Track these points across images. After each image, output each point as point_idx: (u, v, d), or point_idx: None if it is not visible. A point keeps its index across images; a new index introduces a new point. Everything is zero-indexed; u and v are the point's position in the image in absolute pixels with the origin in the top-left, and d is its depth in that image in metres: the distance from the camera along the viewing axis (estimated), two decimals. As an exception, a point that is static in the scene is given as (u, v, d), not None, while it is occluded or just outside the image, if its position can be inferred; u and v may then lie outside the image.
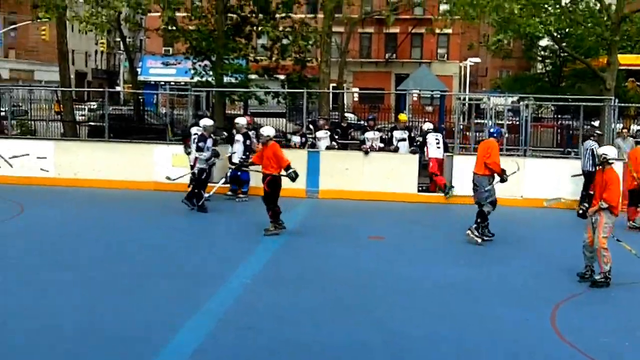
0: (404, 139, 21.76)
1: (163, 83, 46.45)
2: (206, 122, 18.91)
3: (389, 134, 22.52)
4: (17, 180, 21.66)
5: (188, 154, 20.02)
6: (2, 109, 31.22)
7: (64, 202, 19.59)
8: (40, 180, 21.83)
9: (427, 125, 22.21)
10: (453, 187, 21.15)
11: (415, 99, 36.59)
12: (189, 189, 19.02)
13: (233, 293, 11.47)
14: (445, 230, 17.27)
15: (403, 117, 22.78)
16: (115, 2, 24.19)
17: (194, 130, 19.77)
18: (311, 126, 23.14)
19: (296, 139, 22.35)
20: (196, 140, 18.62)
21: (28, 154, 22.14)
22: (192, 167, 18.93)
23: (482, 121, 27.55)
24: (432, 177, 21.37)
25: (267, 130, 16.11)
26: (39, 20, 38.03)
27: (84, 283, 11.61)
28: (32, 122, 30.48)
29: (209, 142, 18.52)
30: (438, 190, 21.35)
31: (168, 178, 19.75)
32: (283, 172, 15.63)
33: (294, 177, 15.62)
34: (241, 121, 20.64)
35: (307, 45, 30.09)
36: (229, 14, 29.56)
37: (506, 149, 22.68)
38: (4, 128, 27.52)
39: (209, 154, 18.49)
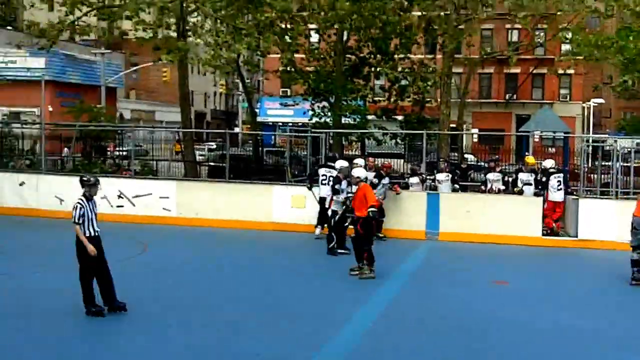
0: (529, 184, 21.07)
1: (281, 124, 47.06)
2: (342, 163, 18.66)
3: (514, 175, 21.93)
4: (140, 219, 22.02)
5: (309, 189, 19.94)
6: (124, 148, 32.14)
7: (185, 241, 19.76)
8: (162, 219, 22.13)
9: (549, 163, 21.56)
10: (562, 228, 20.58)
11: (537, 140, 35.76)
12: (316, 230, 18.91)
13: (355, 335, 11.25)
14: (571, 276, 16.62)
15: (530, 159, 22.11)
16: (236, 44, 24.52)
17: (322, 171, 19.63)
18: (435, 171, 22.76)
19: (414, 180, 21.98)
20: (332, 183, 18.31)
21: (151, 194, 22.50)
22: (327, 208, 18.68)
23: (608, 163, 26.61)
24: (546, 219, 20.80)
25: (358, 172, 15.89)
26: (160, 62, 39.01)
27: (207, 323, 11.51)
28: (154, 162, 31.10)
29: (344, 184, 18.24)
30: (561, 234, 20.70)
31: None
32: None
33: (370, 217, 15.20)
34: (359, 162, 20.29)
35: (426, 86, 29.82)
36: (348, 55, 29.66)
37: (633, 192, 21.82)
38: (124, 167, 28.20)
39: (344, 196, 18.18)
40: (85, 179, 11.66)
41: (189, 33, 27.55)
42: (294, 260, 17.52)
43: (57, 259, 16.81)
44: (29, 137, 31.14)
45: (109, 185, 22.98)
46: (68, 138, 30.12)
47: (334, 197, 17.96)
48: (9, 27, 55.25)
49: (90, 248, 11.29)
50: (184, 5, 26.57)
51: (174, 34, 28.29)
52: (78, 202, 11.40)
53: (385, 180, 20.36)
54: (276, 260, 17.45)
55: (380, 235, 20.06)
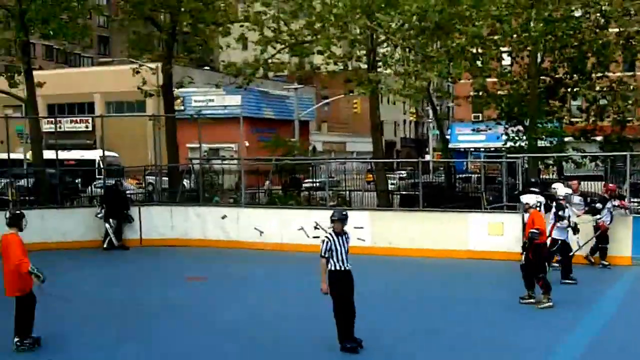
0: None
1: (473, 149, 46.43)
2: (567, 190, 18.04)
3: None
4: (335, 250, 22.15)
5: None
6: (317, 180, 32.71)
7: (380, 271, 19.72)
8: (356, 249, 21.86)
9: None
10: None
11: None
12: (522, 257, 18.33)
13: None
14: None
15: None
16: (427, 72, 24.41)
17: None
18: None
19: (617, 203, 20.85)
20: (554, 209, 17.61)
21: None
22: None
23: None
24: None
25: (526, 199, 15.51)
26: (351, 94, 39.54)
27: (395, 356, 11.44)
28: (347, 192, 31.39)
29: (567, 211, 17.54)
30: None
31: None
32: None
33: (530, 236, 14.69)
34: (559, 189, 19.12)
35: (627, 105, 28.55)
36: (542, 77, 28.89)
37: None
38: (314, 198, 28.64)
39: (566, 223, 17.46)
40: (331, 214, 11.70)
41: (379, 63, 27.71)
42: (494, 288, 17.08)
43: (268, 288, 17.49)
44: (228, 172, 32.34)
45: (305, 217, 23.46)
46: (265, 172, 31.02)
47: (558, 224, 17.27)
48: (206, 68, 57.91)
49: (324, 286, 11.40)
50: (374, 36, 26.79)
51: (364, 66, 28.56)
52: (326, 236, 11.53)
53: (609, 205, 19.35)
54: (475, 289, 17.13)
55: (605, 263, 19.23)
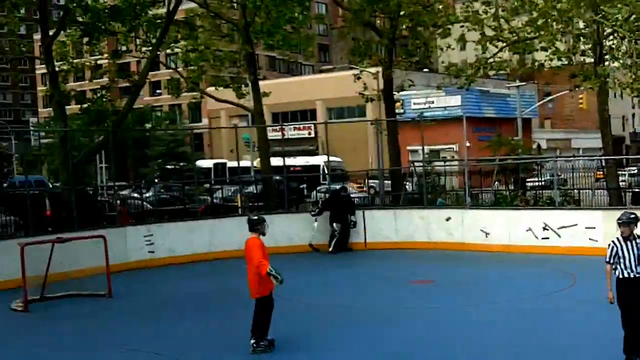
0: None
1: None
2: None
3: None
4: (565, 251, 21.54)
5: None
6: (542, 178, 31.95)
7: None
8: (588, 250, 21.37)
9: None
10: None
11: None
12: None
13: None
14: None
15: None
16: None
17: None
18: None
19: None
20: None
21: (576, 224, 21.92)
22: None
23: None
24: None
25: None
26: (577, 89, 38.22)
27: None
28: (576, 192, 30.37)
29: None
30: None
31: None
32: None
33: None
34: None
35: None
36: None
37: None
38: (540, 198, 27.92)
39: None
40: (618, 217, 10.94)
41: (606, 57, 26.62)
42: None
43: (502, 291, 17.37)
44: (449, 173, 32.24)
45: (532, 217, 22.95)
46: (487, 172, 30.65)
47: None
48: (425, 70, 58.01)
49: (610, 294, 10.87)
50: (600, 29, 25.79)
51: (590, 60, 27.56)
52: (612, 241, 10.96)
53: None
54: None
55: None
